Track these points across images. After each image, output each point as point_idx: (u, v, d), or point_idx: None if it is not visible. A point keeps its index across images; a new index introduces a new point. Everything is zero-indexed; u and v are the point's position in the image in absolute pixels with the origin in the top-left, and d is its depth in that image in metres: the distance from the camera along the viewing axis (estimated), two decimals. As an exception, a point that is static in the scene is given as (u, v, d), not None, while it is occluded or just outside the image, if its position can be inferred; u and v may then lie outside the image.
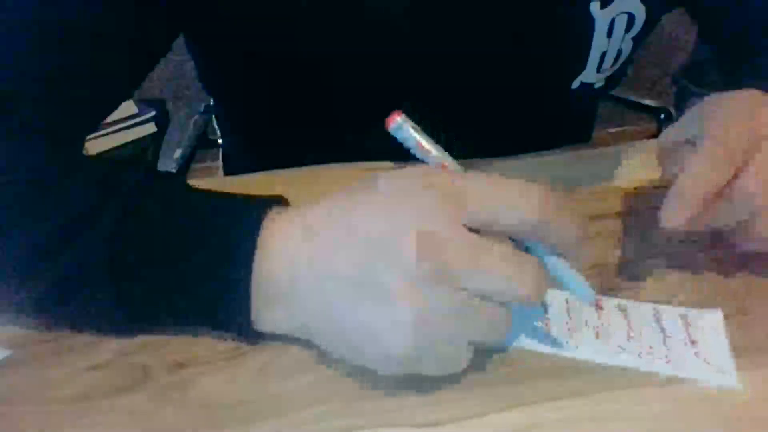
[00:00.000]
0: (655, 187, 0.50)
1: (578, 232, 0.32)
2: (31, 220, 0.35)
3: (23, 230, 0.35)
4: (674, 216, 0.36)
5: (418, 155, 0.34)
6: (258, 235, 0.33)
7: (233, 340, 0.36)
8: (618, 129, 1.76)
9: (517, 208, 0.31)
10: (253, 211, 0.34)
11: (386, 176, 0.33)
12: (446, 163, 0.34)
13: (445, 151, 0.34)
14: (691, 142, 0.38)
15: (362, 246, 0.31)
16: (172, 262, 0.34)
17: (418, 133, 0.33)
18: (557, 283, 0.33)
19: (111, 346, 0.36)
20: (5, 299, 0.37)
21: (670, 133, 0.42)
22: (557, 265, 0.33)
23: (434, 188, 0.31)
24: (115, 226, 0.34)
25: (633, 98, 1.15)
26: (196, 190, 0.37)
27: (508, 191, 0.31)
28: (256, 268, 0.33)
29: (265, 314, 0.34)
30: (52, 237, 0.34)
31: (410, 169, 0.33)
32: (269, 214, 0.34)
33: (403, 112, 0.34)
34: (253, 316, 0.34)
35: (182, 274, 0.34)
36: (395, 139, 0.34)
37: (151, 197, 0.35)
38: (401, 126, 0.33)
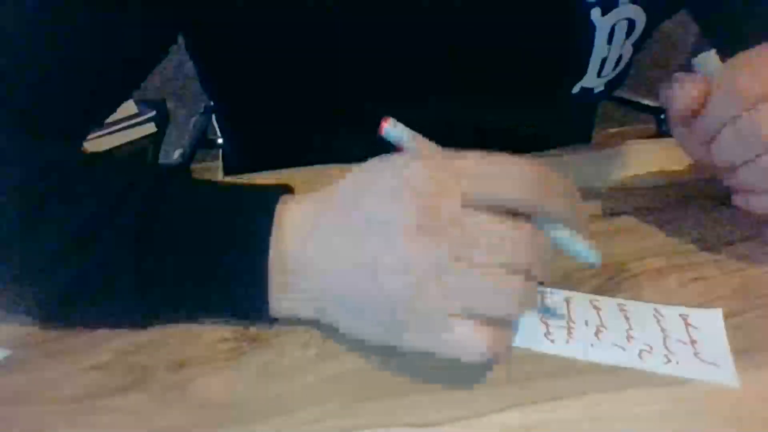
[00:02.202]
0: (656, 187, 0.50)
1: (573, 202, 0.33)
2: (53, 218, 0.35)
3: (47, 228, 0.35)
4: (669, 93, 0.41)
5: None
6: (272, 222, 0.35)
7: (248, 327, 0.37)
8: (618, 129, 1.76)
9: (510, 183, 0.32)
10: (267, 199, 0.36)
11: (387, 157, 0.34)
12: None
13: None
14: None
15: (362, 214, 0.33)
16: (191, 253, 0.35)
17: (411, 131, 0.34)
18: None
19: (111, 346, 0.36)
20: (27, 296, 0.37)
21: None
22: (560, 234, 0.33)
23: (429, 164, 0.32)
24: (136, 221, 0.34)
25: (633, 98, 1.15)
26: (209, 181, 0.38)
27: (498, 168, 0.32)
28: (271, 252, 0.34)
29: (281, 298, 0.35)
30: (74, 235, 0.35)
31: (409, 153, 0.34)
32: (281, 201, 0.36)
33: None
34: (270, 301, 0.35)
35: (201, 263, 0.35)
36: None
37: (168, 192, 0.36)
38: (395, 126, 0.34)
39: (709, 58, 0.41)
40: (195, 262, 0.35)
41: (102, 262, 0.35)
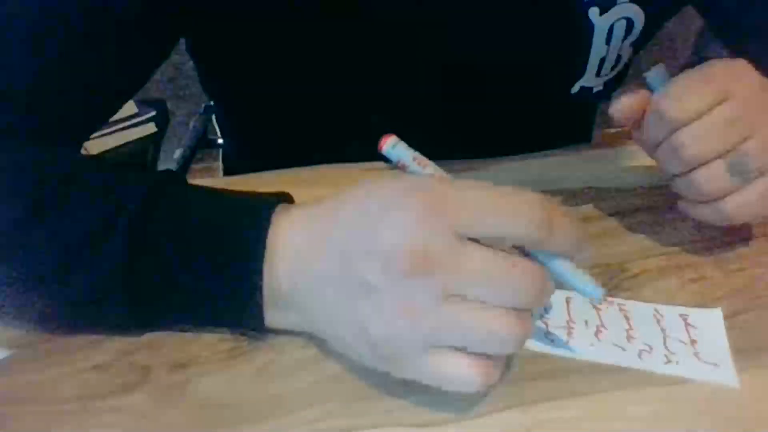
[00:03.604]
0: (655, 187, 0.50)
1: (577, 236, 0.31)
2: (45, 231, 0.35)
3: (39, 240, 0.35)
4: (614, 107, 0.44)
5: (415, 172, 0.34)
6: (265, 242, 0.34)
7: (242, 335, 0.36)
8: (618, 129, 1.76)
9: (513, 220, 0.30)
10: (260, 216, 0.35)
11: (381, 181, 0.33)
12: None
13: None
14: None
15: (344, 243, 0.32)
16: (183, 275, 0.34)
17: (412, 151, 0.34)
18: (563, 284, 0.33)
19: (111, 346, 0.36)
20: (18, 312, 0.37)
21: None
22: (561, 267, 0.32)
23: (425, 194, 0.30)
24: (127, 238, 0.34)
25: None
26: (201, 190, 0.37)
27: (502, 202, 0.30)
28: (265, 272, 0.34)
29: (274, 314, 0.35)
30: (66, 250, 0.34)
31: (404, 176, 0.33)
32: (273, 219, 0.34)
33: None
34: (265, 318, 0.35)
35: (194, 281, 0.34)
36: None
37: (161, 204, 0.35)
38: (395, 145, 0.33)
39: (659, 73, 0.42)
40: (186, 284, 0.34)
41: (92, 280, 0.34)
